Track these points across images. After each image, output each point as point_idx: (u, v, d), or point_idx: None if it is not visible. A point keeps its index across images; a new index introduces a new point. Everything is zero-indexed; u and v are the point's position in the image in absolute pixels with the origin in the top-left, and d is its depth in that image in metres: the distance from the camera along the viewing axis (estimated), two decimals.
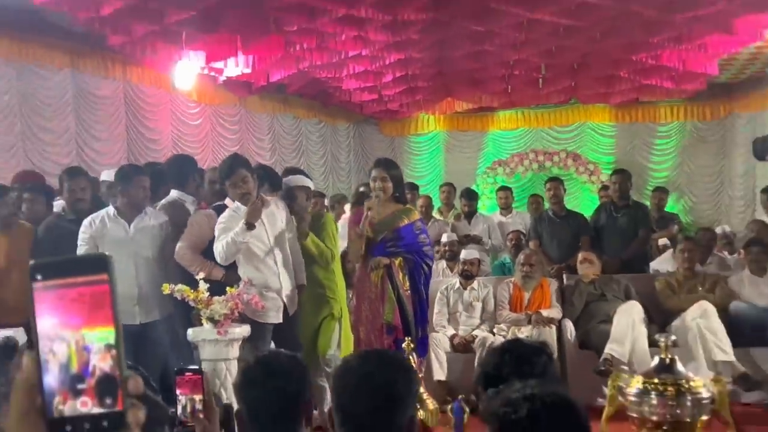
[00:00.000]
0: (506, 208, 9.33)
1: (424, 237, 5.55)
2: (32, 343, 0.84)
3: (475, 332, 6.70)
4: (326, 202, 8.58)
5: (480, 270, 7.29)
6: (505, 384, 1.95)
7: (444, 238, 7.91)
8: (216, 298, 4.64)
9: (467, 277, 6.97)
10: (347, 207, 8.20)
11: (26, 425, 0.84)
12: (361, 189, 7.44)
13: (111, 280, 0.84)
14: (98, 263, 0.85)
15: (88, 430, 0.83)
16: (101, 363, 0.83)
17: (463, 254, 7.18)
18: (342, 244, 6.20)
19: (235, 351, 4.68)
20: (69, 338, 0.83)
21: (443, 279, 7.28)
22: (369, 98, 12.36)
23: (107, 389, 0.83)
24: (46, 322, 0.83)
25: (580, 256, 7.02)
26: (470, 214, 8.91)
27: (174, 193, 5.93)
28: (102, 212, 5.38)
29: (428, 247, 5.59)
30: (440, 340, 6.60)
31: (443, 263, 7.71)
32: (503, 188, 9.88)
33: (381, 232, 5.38)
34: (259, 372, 2.32)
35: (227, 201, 5.52)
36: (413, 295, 5.38)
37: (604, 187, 9.62)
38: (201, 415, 2.49)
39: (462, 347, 6.63)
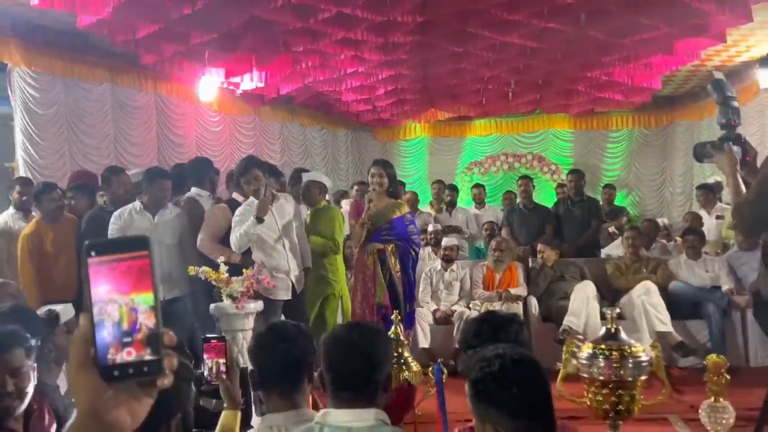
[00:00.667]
0: (480, 203, 9.35)
1: (413, 227, 5.58)
2: (86, 306, 0.87)
3: (454, 307, 6.75)
4: (327, 197, 8.58)
5: (459, 255, 7.33)
6: (482, 347, 2.00)
7: (429, 228, 7.96)
8: (234, 278, 4.66)
9: (448, 260, 7.02)
10: (344, 202, 8.22)
11: (83, 372, 0.87)
12: (356, 188, 7.46)
13: (151, 255, 0.89)
14: (141, 242, 0.89)
15: (132, 375, 0.86)
16: (146, 321, 0.87)
17: (445, 241, 7.22)
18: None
19: (250, 323, 4.71)
20: (120, 301, 0.86)
21: (428, 262, 7.31)
22: (364, 108, 12.32)
23: (149, 342, 0.87)
24: (101, 289, 0.86)
25: (538, 248, 7.08)
26: (452, 203, 8.98)
27: (193, 190, 5.95)
28: (129, 206, 5.39)
29: (416, 236, 5.62)
30: (424, 314, 6.64)
31: (428, 249, 7.74)
32: (477, 185, 9.89)
33: (377, 222, 5.40)
34: (268, 338, 2.35)
35: (235, 195, 5.54)
36: (403, 276, 5.43)
37: (560, 185, 9.61)
38: (224, 376, 2.54)
39: (442, 320, 6.67)
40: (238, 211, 5.23)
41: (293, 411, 2.20)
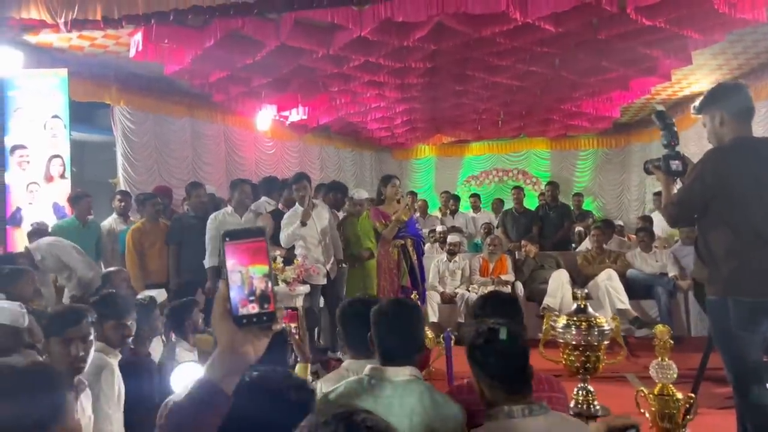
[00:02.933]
0: (476, 208, 9.27)
1: (419, 227, 5.50)
2: (223, 275, 0.98)
3: (457, 290, 6.68)
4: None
5: (460, 249, 7.26)
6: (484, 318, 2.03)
7: (438, 228, 7.90)
8: (287, 267, 4.71)
9: (452, 253, 6.94)
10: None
11: (223, 320, 0.99)
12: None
13: (266, 239, 0.98)
14: (259, 231, 0.99)
15: (255, 322, 0.97)
16: (262, 285, 0.96)
17: (449, 238, 7.11)
18: None
19: (299, 301, 4.72)
20: (243, 271, 0.96)
21: (436, 255, 7.24)
22: (385, 135, 12.29)
23: (265, 299, 0.97)
24: (231, 262, 0.97)
25: (522, 242, 6.98)
26: (455, 210, 8.97)
27: (263, 199, 6.02)
28: (222, 210, 5.43)
29: (421, 231, 5.53)
30: (434, 295, 6.56)
31: (437, 245, 7.72)
32: (474, 195, 9.79)
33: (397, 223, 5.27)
34: (351, 311, 2.36)
35: (280, 206, 5.60)
36: (419, 263, 5.32)
37: (541, 194, 9.54)
38: (297, 336, 2.63)
39: (448, 300, 6.59)
40: (286, 216, 5.25)
41: (365, 360, 2.24)
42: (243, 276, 0.96)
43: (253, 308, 0.96)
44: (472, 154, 14.41)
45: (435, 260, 6.99)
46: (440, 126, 11.90)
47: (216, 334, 1.00)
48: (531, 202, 11.45)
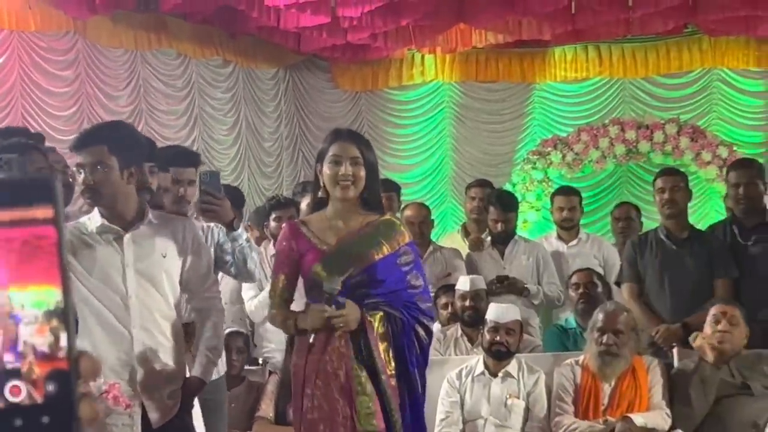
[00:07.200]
0: (569, 228, 9.39)
1: (416, 275, 5.49)
2: None
3: None
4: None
5: (522, 341, 7.34)
6: None
7: (459, 285, 7.89)
8: None
9: (499, 355, 7.01)
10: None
11: None
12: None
13: (57, 217, 1.01)
14: (40, 190, 1.02)
15: (21, 428, 1.01)
16: (37, 337, 1.01)
17: (493, 313, 7.15)
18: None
19: None
20: None
21: (455, 357, 7.29)
22: (313, 23, 12.37)
23: (51, 375, 1.00)
24: None
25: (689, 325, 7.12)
26: (505, 237, 8.99)
27: None
28: None
29: (424, 296, 5.52)
30: None
31: (456, 329, 7.76)
32: (564, 191, 9.85)
33: (343, 264, 5.32)
34: None
35: None
36: (402, 384, 5.34)
37: (735, 187, 9.50)
38: None
39: None
40: None
41: None
42: None
43: (16, 393, 1.01)
44: (556, 79, 14.63)
45: (453, 372, 7.10)
46: (466, 3, 11.98)
47: None
48: (711, 213, 11.23)
